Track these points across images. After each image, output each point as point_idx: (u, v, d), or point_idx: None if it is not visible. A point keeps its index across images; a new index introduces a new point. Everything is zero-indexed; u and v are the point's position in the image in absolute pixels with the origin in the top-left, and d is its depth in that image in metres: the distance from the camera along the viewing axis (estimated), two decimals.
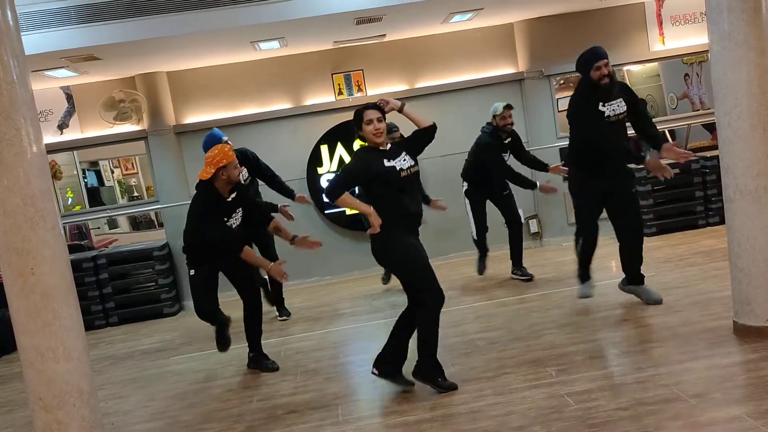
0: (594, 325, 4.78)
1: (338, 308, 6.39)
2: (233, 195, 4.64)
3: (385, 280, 6.62)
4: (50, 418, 3.49)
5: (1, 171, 3.38)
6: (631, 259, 5.03)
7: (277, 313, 6.29)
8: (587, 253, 5.22)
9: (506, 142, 6.11)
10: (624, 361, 4.11)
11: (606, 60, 4.67)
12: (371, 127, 3.86)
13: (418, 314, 3.89)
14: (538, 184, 5.99)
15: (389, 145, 3.98)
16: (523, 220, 6.41)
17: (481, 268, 6.44)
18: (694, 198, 7.43)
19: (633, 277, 5.06)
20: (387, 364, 4.06)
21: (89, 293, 6.95)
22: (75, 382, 3.54)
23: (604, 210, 5.08)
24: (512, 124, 6.07)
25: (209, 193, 4.55)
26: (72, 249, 7.57)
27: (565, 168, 5.62)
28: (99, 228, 9.95)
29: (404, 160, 3.92)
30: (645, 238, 7.21)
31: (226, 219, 4.59)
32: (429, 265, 3.86)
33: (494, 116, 6.02)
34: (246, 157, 5.78)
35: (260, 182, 6.07)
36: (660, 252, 6.63)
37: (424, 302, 3.84)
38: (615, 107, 4.73)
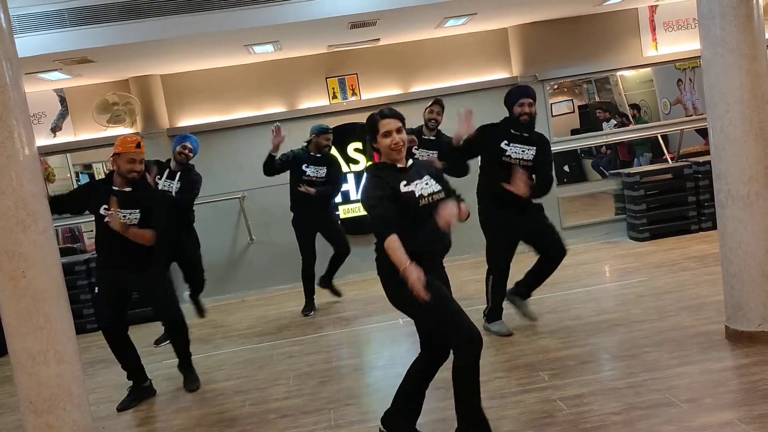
0: (586, 329, 4.79)
1: (332, 312, 6.37)
2: (128, 189, 4.37)
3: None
4: (41, 422, 3.48)
5: None
6: (538, 278, 4.87)
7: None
8: (498, 289, 4.89)
9: (432, 138, 5.78)
10: (616, 365, 4.12)
11: (531, 100, 4.59)
12: (389, 141, 3.12)
13: (454, 362, 3.10)
14: None
15: (410, 161, 3.25)
16: None
17: None
18: (686, 203, 7.46)
19: (523, 292, 4.94)
20: (399, 420, 3.37)
21: (81, 296, 6.91)
22: (66, 385, 3.53)
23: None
24: (436, 121, 5.71)
25: (108, 174, 4.48)
26: (64, 252, 7.54)
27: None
28: (92, 231, 9.90)
29: (427, 183, 3.17)
30: (638, 243, 7.34)
31: (104, 207, 4.29)
32: (454, 307, 3.09)
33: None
34: (190, 175, 5.81)
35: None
36: (653, 257, 6.66)
37: (456, 350, 3.08)
38: (521, 151, 4.58)
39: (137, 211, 4.37)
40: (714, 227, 4.36)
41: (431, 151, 5.80)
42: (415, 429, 3.37)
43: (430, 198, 3.13)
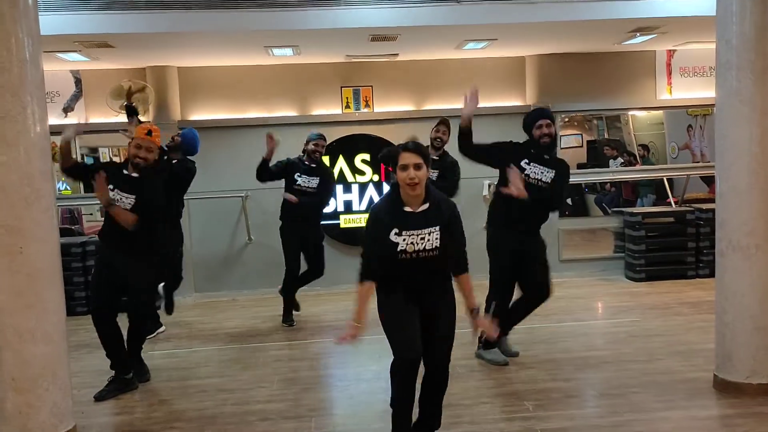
0: (575, 363, 4.78)
1: (322, 320, 6.36)
2: (135, 174, 4.46)
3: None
4: (21, 401, 3.47)
5: (3, 148, 3.39)
6: (518, 315, 4.80)
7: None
8: (499, 316, 4.62)
9: (436, 158, 5.71)
10: (602, 402, 4.11)
11: (549, 121, 4.60)
12: (405, 175, 3.07)
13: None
14: None
15: (426, 205, 3.16)
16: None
17: None
18: (686, 248, 7.46)
19: (502, 329, 4.72)
20: None
21: (74, 279, 6.89)
22: (50, 366, 3.53)
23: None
24: (441, 141, 5.76)
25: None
26: (62, 233, 7.50)
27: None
28: (92, 215, 9.89)
29: (423, 238, 3.12)
30: (634, 283, 7.33)
31: (111, 186, 4.36)
32: (403, 325, 3.22)
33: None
34: (182, 166, 5.70)
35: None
36: (647, 298, 6.65)
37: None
38: (540, 172, 4.57)
39: (133, 197, 4.41)
40: (711, 275, 4.35)
41: (434, 171, 5.80)
42: None
43: (414, 254, 3.12)
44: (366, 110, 7.65)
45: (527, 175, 4.54)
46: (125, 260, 4.44)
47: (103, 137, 8.39)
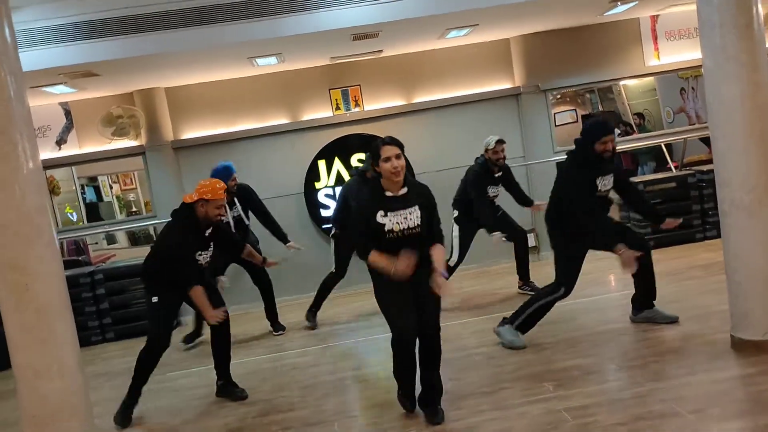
0: (591, 339, 4.77)
1: (336, 324, 6.37)
2: (209, 231, 4.52)
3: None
4: None
5: None
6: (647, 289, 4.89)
7: (272, 328, 6.29)
8: (545, 309, 4.77)
9: (497, 175, 6.11)
10: (621, 376, 4.10)
11: (614, 136, 4.60)
12: (389, 165, 3.54)
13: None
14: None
15: (405, 189, 3.64)
16: (528, 235, 6.40)
17: None
18: (691, 212, 7.43)
19: (644, 303, 4.94)
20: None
21: (86, 309, 6.92)
22: (69, 399, 3.53)
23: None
24: (504, 158, 6.04)
25: (189, 218, 4.42)
26: (69, 264, 7.56)
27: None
28: (97, 243, 9.94)
29: (406, 217, 3.60)
30: None
31: (199, 252, 4.46)
32: (399, 305, 3.62)
33: (487, 149, 6.01)
34: (245, 192, 6.05)
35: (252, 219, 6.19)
36: (658, 266, 6.53)
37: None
38: (607, 182, 4.62)
39: (211, 248, 4.58)
40: (719, 236, 4.33)
41: (495, 187, 6.13)
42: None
43: (400, 233, 3.59)
44: (356, 110, 7.64)
45: (599, 191, 4.56)
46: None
47: (101, 165, 8.43)
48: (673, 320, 4.81)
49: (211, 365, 5.03)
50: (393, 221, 3.58)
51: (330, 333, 6.09)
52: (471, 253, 6.32)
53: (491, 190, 6.09)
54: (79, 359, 3.67)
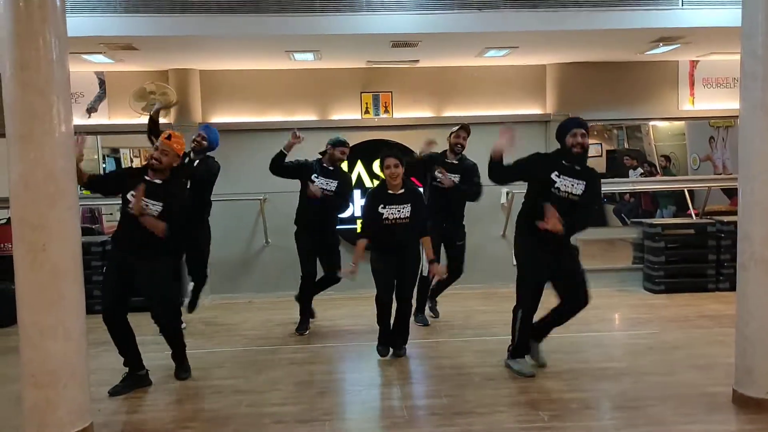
0: (592, 374, 4.73)
1: (338, 325, 6.36)
2: (158, 181, 4.51)
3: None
4: (41, 396, 3.50)
5: (29, 146, 3.44)
6: (553, 323, 4.78)
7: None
8: (525, 326, 4.72)
9: (455, 162, 5.96)
10: (618, 415, 4.06)
11: (584, 131, 4.50)
12: (388, 172, 4.95)
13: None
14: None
15: (402, 190, 4.97)
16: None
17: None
18: (706, 261, 7.37)
19: (536, 335, 4.84)
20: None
21: (93, 278, 6.94)
22: (70, 363, 3.56)
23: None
24: (462, 146, 5.95)
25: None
26: (83, 232, 7.59)
27: None
28: (111, 214, 9.99)
29: (399, 210, 4.95)
30: (652, 294, 7.26)
31: (131, 193, 4.43)
32: (384, 274, 5.04)
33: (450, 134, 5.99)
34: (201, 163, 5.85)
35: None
36: (666, 310, 6.58)
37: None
38: (569, 185, 4.46)
39: (160, 204, 4.45)
40: (732, 288, 4.28)
41: (454, 175, 5.87)
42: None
43: (393, 221, 4.97)
44: (385, 116, 7.66)
45: (557, 189, 4.46)
46: (138, 262, 4.47)
47: (126, 138, 8.50)
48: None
49: (209, 349, 5.07)
50: (389, 212, 4.95)
51: (330, 334, 6.09)
52: (479, 273, 6.33)
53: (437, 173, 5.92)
54: (83, 325, 3.70)
